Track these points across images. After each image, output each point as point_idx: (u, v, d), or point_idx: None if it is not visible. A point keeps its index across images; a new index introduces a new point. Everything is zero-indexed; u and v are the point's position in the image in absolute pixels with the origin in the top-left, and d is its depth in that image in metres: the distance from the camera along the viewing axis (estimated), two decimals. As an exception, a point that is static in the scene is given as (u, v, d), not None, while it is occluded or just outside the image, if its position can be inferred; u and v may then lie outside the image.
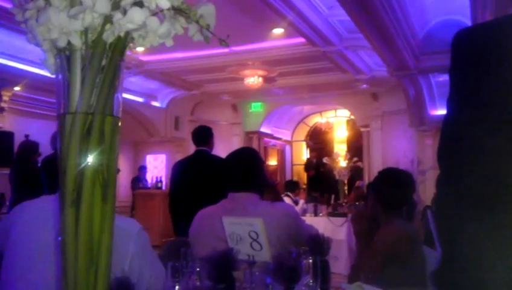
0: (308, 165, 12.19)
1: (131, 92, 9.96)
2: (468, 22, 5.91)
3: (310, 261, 1.48)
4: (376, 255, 2.29)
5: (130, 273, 1.55)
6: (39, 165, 5.40)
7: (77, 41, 0.73)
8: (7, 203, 5.86)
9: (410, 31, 6.73)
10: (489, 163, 0.94)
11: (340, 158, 8.94)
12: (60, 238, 0.74)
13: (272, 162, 13.66)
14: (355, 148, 11.82)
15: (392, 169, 2.75)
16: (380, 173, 2.62)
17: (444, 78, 7.90)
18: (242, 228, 1.68)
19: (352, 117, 12.59)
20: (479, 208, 0.94)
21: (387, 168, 2.75)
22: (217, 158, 4.29)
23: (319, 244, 1.70)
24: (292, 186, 8.47)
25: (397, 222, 2.38)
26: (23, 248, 1.68)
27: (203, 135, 4.32)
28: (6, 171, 5.95)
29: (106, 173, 0.75)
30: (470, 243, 0.95)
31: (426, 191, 8.77)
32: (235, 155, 2.41)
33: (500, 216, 0.92)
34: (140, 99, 10.48)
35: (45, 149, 5.35)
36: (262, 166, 2.45)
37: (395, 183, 2.44)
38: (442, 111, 8.86)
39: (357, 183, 9.44)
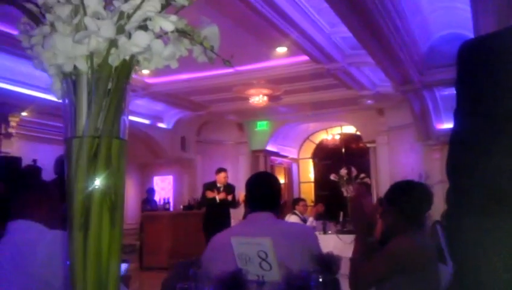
0: None
1: (138, 114, 10.02)
2: (471, 35, 5.92)
3: (320, 280, 1.47)
4: (383, 260, 2.25)
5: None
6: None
7: (83, 66, 0.73)
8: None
9: (413, 45, 6.76)
10: (499, 173, 0.93)
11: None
12: (68, 263, 0.74)
13: (279, 180, 13.56)
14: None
15: (409, 181, 2.68)
16: (396, 185, 2.56)
17: (449, 91, 7.89)
18: (250, 248, 1.67)
19: (358, 133, 12.57)
20: (491, 216, 0.93)
21: (404, 181, 2.66)
22: None
23: (328, 263, 1.68)
24: (295, 202, 8.40)
25: (417, 234, 2.35)
26: None
27: None
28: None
29: (114, 196, 0.75)
30: (482, 252, 0.93)
31: (435, 205, 8.67)
32: (257, 178, 2.57)
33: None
34: (146, 121, 10.53)
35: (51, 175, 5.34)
36: (280, 187, 2.60)
37: (417, 195, 2.42)
38: (448, 125, 8.82)
39: (366, 199, 9.36)
